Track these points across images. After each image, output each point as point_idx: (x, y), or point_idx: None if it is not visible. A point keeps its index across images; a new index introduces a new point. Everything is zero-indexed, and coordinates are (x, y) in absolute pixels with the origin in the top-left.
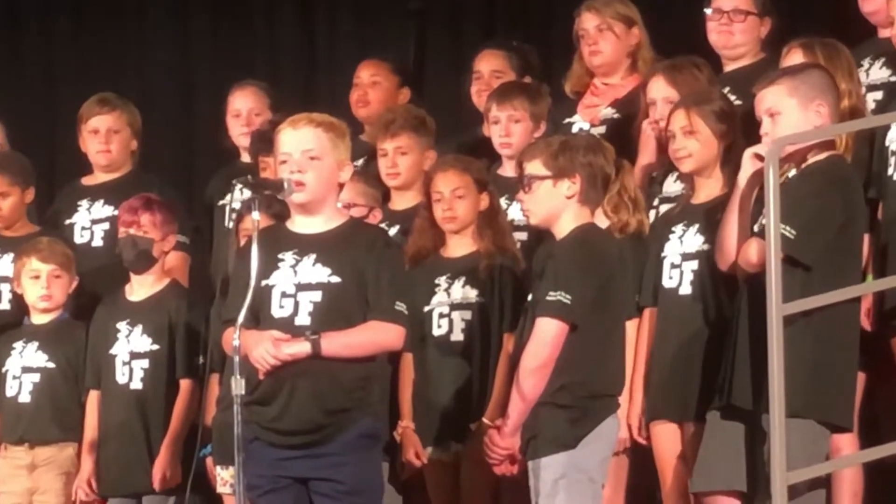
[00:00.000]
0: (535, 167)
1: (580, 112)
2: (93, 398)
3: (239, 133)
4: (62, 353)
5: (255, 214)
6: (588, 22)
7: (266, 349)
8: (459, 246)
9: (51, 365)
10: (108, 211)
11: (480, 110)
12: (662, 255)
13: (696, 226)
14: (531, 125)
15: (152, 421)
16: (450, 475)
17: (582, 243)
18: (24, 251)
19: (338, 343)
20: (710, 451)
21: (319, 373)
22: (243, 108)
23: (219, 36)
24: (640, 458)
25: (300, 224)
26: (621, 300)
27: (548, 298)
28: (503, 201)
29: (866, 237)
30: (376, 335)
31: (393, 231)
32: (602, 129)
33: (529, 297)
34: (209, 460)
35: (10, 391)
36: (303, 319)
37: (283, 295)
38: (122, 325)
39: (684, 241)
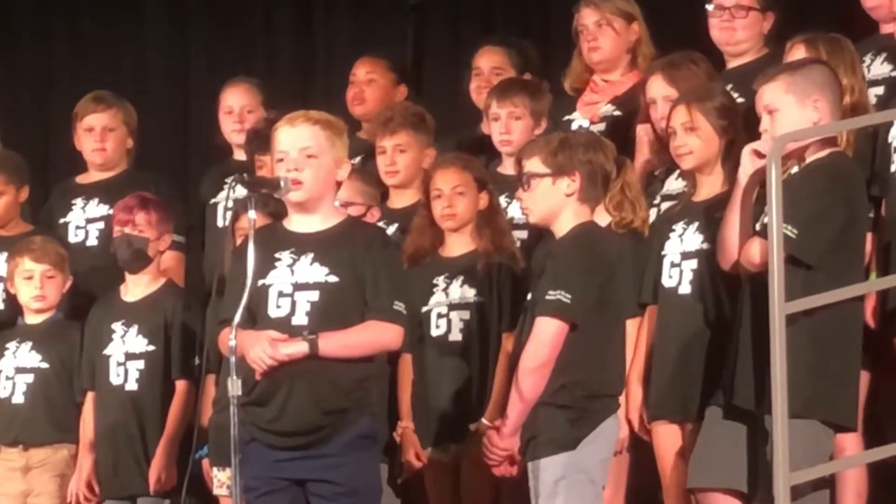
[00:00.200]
0: (534, 165)
1: (579, 109)
2: (90, 399)
3: (231, 130)
4: (56, 353)
5: (252, 213)
6: (587, 18)
7: (263, 349)
8: (458, 245)
9: (44, 365)
10: (103, 210)
11: (480, 107)
12: (663, 253)
13: (696, 224)
14: (531, 122)
15: (148, 422)
16: (449, 476)
17: (582, 242)
18: (17, 251)
19: (335, 343)
20: (710, 447)
21: (317, 373)
22: (235, 104)
23: (215, 33)
24: (641, 458)
25: (297, 223)
26: (621, 299)
27: (547, 298)
28: (503, 199)
29: (869, 235)
30: (374, 335)
31: (391, 229)
32: (602, 127)
33: (529, 297)
34: (205, 462)
35: (3, 392)
36: (300, 319)
37: (281, 294)
38: (118, 326)
39: (684, 240)
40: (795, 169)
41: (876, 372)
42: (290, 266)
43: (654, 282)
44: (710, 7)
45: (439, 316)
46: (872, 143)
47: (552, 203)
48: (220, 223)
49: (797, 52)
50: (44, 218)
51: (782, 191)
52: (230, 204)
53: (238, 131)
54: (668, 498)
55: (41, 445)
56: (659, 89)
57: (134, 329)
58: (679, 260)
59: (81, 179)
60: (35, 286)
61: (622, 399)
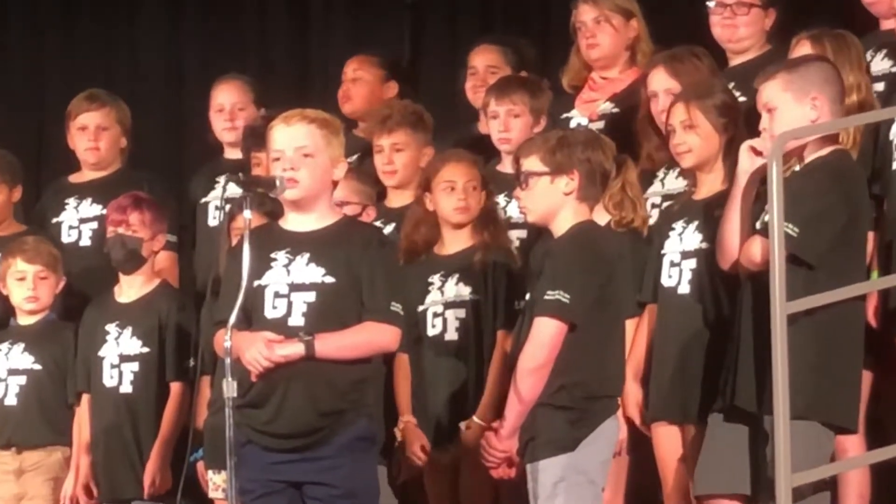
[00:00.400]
0: (532, 163)
1: (578, 107)
2: (84, 401)
3: (222, 128)
4: (49, 354)
5: (247, 213)
6: (585, 14)
7: (259, 351)
8: (454, 242)
9: (37, 367)
10: (97, 210)
11: (476, 107)
12: (662, 252)
13: (696, 223)
14: (531, 120)
15: (142, 425)
16: (448, 478)
17: (581, 241)
18: (9, 251)
19: (332, 344)
20: (712, 453)
21: (313, 375)
22: (227, 102)
23: (210, 31)
24: (641, 459)
25: (293, 222)
26: (621, 299)
27: (546, 298)
28: (502, 198)
29: (871, 234)
30: (371, 336)
31: (389, 229)
32: (601, 125)
33: (527, 297)
34: (200, 465)
35: None
36: (296, 320)
37: (277, 295)
38: (112, 328)
39: (684, 239)
40: (797, 167)
41: (878, 372)
42: (286, 266)
43: (654, 281)
44: (711, 4)
45: (435, 315)
46: (874, 141)
47: (551, 202)
48: (210, 222)
49: (802, 49)
50: (36, 218)
51: (783, 189)
52: (221, 203)
53: (229, 129)
54: (669, 500)
55: (35, 448)
56: (661, 82)
57: (128, 331)
58: (679, 259)
59: (74, 179)
60: (28, 287)
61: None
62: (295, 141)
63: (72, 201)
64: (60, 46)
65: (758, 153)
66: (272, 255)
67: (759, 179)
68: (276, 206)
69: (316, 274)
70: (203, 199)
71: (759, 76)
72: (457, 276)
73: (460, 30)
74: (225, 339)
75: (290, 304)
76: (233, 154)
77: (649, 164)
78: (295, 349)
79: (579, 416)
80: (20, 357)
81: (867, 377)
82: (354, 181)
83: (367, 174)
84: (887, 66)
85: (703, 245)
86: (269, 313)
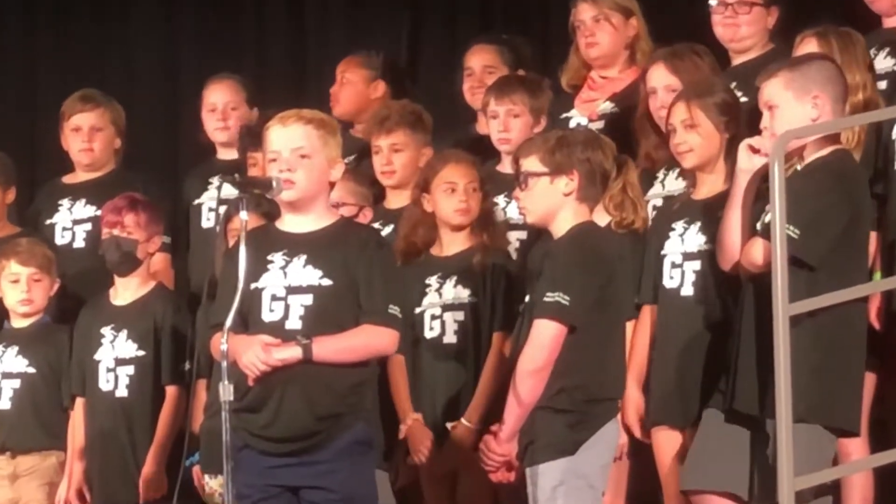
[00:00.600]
0: (531, 164)
1: (577, 107)
2: (79, 405)
3: (214, 128)
4: (43, 357)
5: (243, 214)
6: (584, 13)
7: (256, 354)
8: (452, 244)
9: (31, 370)
10: (90, 211)
11: (474, 108)
12: (663, 253)
13: (698, 224)
14: (531, 120)
15: (137, 429)
16: (446, 483)
17: (581, 242)
18: (2, 253)
19: (330, 348)
20: (705, 449)
21: (311, 378)
22: (219, 102)
23: (205, 30)
24: (641, 463)
25: (290, 223)
26: (621, 300)
27: (545, 299)
28: (502, 199)
29: (873, 234)
30: (369, 339)
31: (387, 231)
32: (601, 125)
33: (527, 299)
34: (196, 469)
35: None
36: (294, 323)
37: (274, 298)
38: (107, 331)
39: (685, 240)
40: (798, 167)
41: (882, 374)
42: (283, 268)
43: (653, 282)
44: (713, 3)
45: (433, 317)
46: (876, 140)
47: (550, 203)
48: (204, 224)
49: (808, 46)
50: (30, 219)
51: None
52: (214, 204)
53: (221, 129)
54: None
55: (29, 452)
56: (660, 78)
57: (123, 334)
58: (681, 261)
59: (68, 180)
60: (21, 289)
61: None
62: (291, 142)
63: (65, 202)
64: (53, 45)
65: (755, 151)
66: (269, 258)
67: (760, 179)
68: (272, 208)
69: (313, 276)
70: (196, 201)
71: (761, 74)
72: (455, 278)
73: (459, 29)
74: (221, 343)
75: (287, 308)
76: (225, 154)
77: (648, 164)
78: (292, 353)
79: (579, 419)
80: (14, 360)
81: (871, 379)
82: (351, 182)
83: (364, 175)
84: (890, 64)
85: (707, 246)
86: (266, 316)
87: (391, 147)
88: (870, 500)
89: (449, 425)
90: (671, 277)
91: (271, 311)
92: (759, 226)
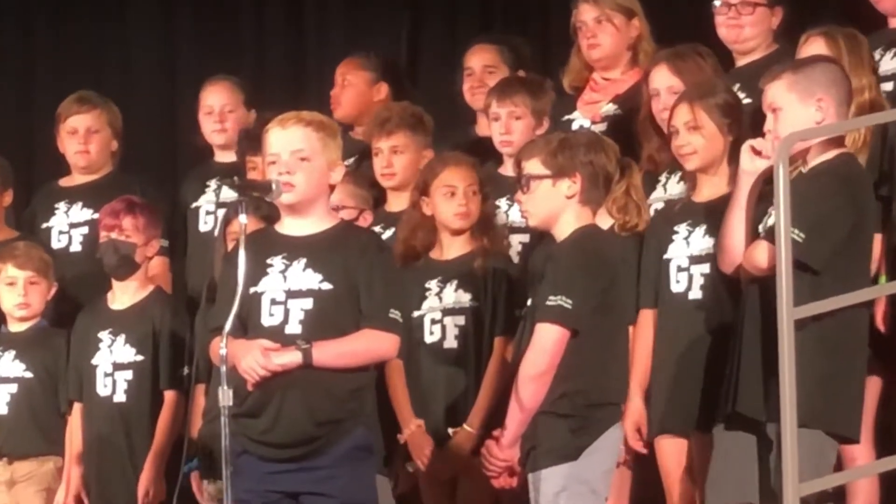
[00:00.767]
0: (533, 166)
1: (580, 108)
2: (77, 410)
3: (212, 131)
4: (40, 362)
5: (243, 217)
6: (586, 14)
7: (255, 359)
8: (452, 247)
9: (28, 375)
10: (87, 214)
11: (474, 109)
12: (666, 257)
13: (704, 226)
14: (533, 122)
15: (136, 434)
16: (447, 489)
17: (583, 245)
18: None
19: (330, 352)
20: (721, 466)
21: (311, 383)
22: (216, 104)
23: (204, 31)
24: (645, 469)
25: (289, 226)
26: (624, 304)
27: (548, 303)
28: (504, 202)
29: (879, 237)
30: (370, 344)
31: (388, 234)
32: (604, 127)
33: (529, 303)
34: (195, 475)
35: None
36: (293, 328)
37: (273, 302)
38: (105, 335)
39: (691, 243)
40: (803, 170)
41: (887, 378)
42: (283, 272)
43: (653, 286)
44: (717, 3)
45: (433, 322)
46: (881, 143)
47: (552, 205)
48: (202, 227)
49: (814, 46)
50: (26, 223)
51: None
52: (212, 208)
53: (219, 132)
54: None
55: (26, 458)
56: (663, 80)
57: (121, 338)
58: (687, 264)
59: (65, 183)
60: (18, 293)
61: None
62: (291, 144)
63: (62, 206)
64: (51, 47)
65: (757, 153)
66: (268, 261)
67: (763, 180)
68: (272, 211)
69: (313, 280)
70: (194, 204)
71: (765, 76)
72: (456, 282)
73: (459, 30)
74: (220, 347)
75: (286, 312)
76: (223, 157)
77: (651, 166)
78: (292, 358)
79: (582, 424)
80: (11, 365)
81: (876, 383)
82: (351, 185)
83: (364, 177)
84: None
85: (715, 249)
86: (266, 321)
87: (392, 149)
88: None
89: (450, 431)
90: (677, 281)
91: (271, 315)
92: (761, 228)
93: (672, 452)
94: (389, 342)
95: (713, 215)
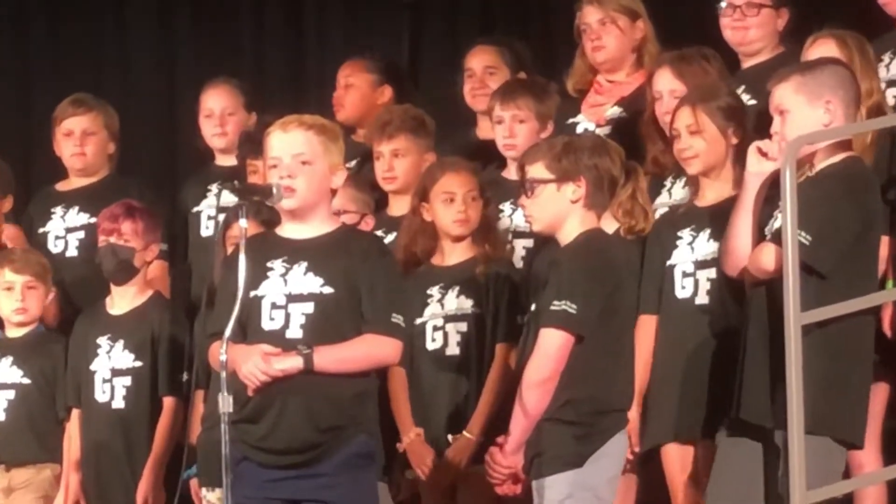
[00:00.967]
0: (537, 170)
1: (584, 111)
2: (75, 417)
3: (212, 134)
4: (38, 368)
5: (243, 222)
6: (590, 16)
7: (255, 364)
8: (454, 254)
9: (26, 381)
10: (83, 219)
11: (475, 111)
12: (670, 262)
13: (708, 231)
14: (537, 125)
15: (134, 441)
16: (447, 497)
17: (588, 250)
18: None
19: (331, 358)
20: (722, 474)
21: (312, 389)
22: (216, 107)
23: (202, 32)
24: (650, 476)
25: (290, 230)
26: (630, 309)
27: (552, 308)
28: (507, 206)
29: (886, 240)
30: (372, 349)
31: (389, 238)
32: (608, 130)
33: (532, 307)
34: (194, 482)
35: None
36: (294, 332)
37: (274, 306)
38: (103, 341)
39: (696, 248)
40: (810, 173)
41: (894, 384)
42: (283, 276)
43: (656, 292)
44: (722, 5)
45: (435, 329)
46: (889, 146)
47: (557, 210)
48: (203, 232)
49: (823, 48)
50: (23, 228)
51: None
52: (213, 212)
53: (219, 135)
54: None
55: (24, 465)
56: (666, 83)
57: (120, 344)
58: (693, 269)
59: (62, 187)
60: (16, 298)
61: None
62: (292, 148)
63: (58, 210)
64: (48, 49)
65: (763, 154)
66: (268, 264)
67: (769, 183)
68: (272, 215)
69: (314, 284)
70: (195, 209)
71: (772, 78)
72: (457, 288)
73: (460, 30)
74: (220, 353)
75: (287, 316)
76: (224, 161)
77: (656, 169)
78: (293, 363)
79: (586, 431)
80: (8, 371)
81: (884, 389)
82: (352, 189)
83: (366, 181)
84: None
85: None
86: (266, 325)
87: (393, 153)
88: None
89: (450, 438)
90: (683, 287)
91: (271, 319)
92: (767, 231)
93: (677, 459)
94: (392, 347)
95: (717, 219)
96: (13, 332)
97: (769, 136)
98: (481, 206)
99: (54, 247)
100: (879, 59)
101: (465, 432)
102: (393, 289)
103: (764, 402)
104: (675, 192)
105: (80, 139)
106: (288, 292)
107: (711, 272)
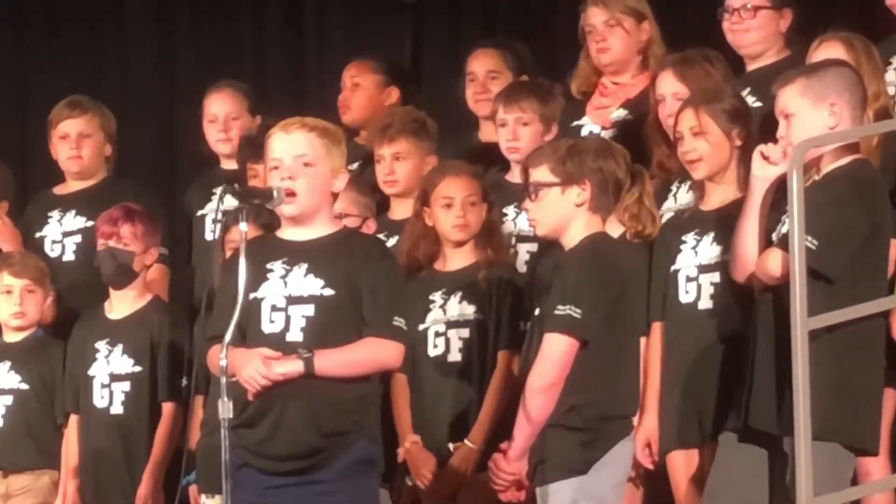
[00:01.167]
0: (541, 174)
1: (589, 114)
2: (73, 422)
3: (217, 140)
4: (37, 373)
5: (243, 225)
6: (595, 17)
7: (256, 368)
8: (455, 259)
9: (24, 386)
10: (80, 222)
11: (478, 115)
12: (674, 267)
13: (712, 234)
14: (541, 128)
15: (133, 447)
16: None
17: (593, 253)
18: None
19: (332, 361)
20: (724, 475)
21: (313, 393)
22: (220, 112)
23: (202, 32)
24: (656, 483)
25: (290, 231)
26: (635, 314)
27: (556, 313)
28: (511, 210)
29: (894, 243)
30: (373, 353)
31: (392, 242)
32: (614, 133)
33: (536, 312)
34: (193, 489)
35: None
36: (295, 335)
37: (274, 309)
38: (102, 345)
39: (699, 252)
40: (816, 177)
41: None
42: (283, 277)
43: (663, 298)
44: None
45: (437, 334)
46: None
47: (561, 214)
48: (208, 236)
49: (830, 50)
50: (20, 232)
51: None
52: (219, 216)
53: (224, 140)
54: None
55: (22, 471)
56: (668, 85)
57: (119, 348)
58: (696, 274)
59: (59, 190)
60: (14, 302)
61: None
62: (294, 149)
63: (55, 214)
64: (45, 51)
65: (765, 157)
66: (268, 266)
67: (776, 187)
68: (272, 219)
69: (314, 286)
70: (200, 212)
71: (777, 81)
72: (460, 293)
73: (463, 31)
74: (220, 357)
75: (287, 319)
76: (229, 165)
77: (662, 172)
78: (293, 367)
79: (591, 437)
80: (6, 376)
81: (892, 395)
82: (354, 192)
83: (367, 184)
84: None
85: (725, 257)
86: (266, 328)
87: (394, 156)
88: None
89: (451, 446)
90: (686, 292)
91: (271, 322)
92: (775, 236)
93: (683, 465)
94: (393, 350)
95: (721, 223)
96: (11, 337)
97: (775, 140)
98: (484, 211)
99: (51, 251)
100: (887, 61)
101: (466, 441)
102: (395, 291)
103: (772, 408)
104: (680, 197)
105: (76, 142)
106: (288, 294)
107: (714, 276)
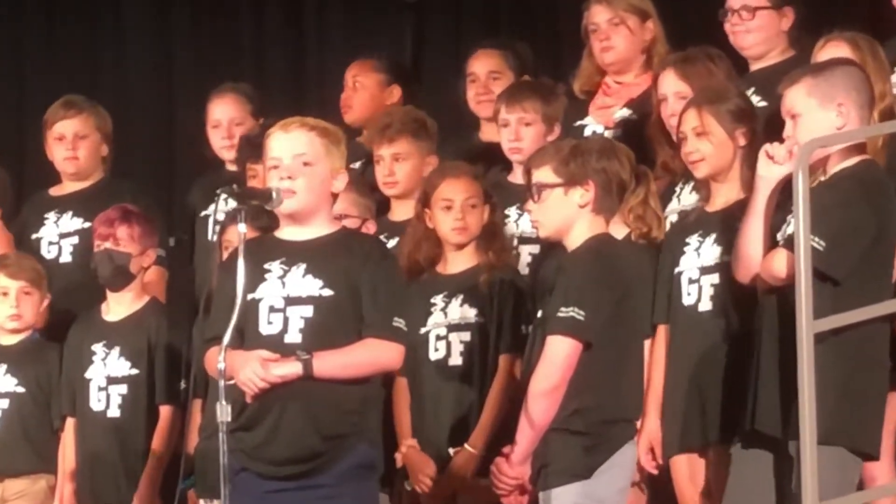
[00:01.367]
0: (544, 174)
1: (592, 114)
2: (70, 426)
3: (221, 146)
4: (33, 376)
5: (241, 226)
6: (599, 15)
7: (254, 371)
8: (457, 261)
9: (20, 389)
10: (77, 224)
11: (479, 116)
12: (678, 269)
13: (714, 235)
14: (544, 128)
15: (130, 451)
16: None
17: (596, 255)
18: None
19: (331, 363)
20: (737, 487)
21: (312, 395)
22: (223, 117)
23: (201, 33)
24: (660, 487)
25: (288, 232)
26: (639, 316)
27: (559, 315)
28: (514, 211)
29: None
30: (373, 354)
31: (392, 243)
32: (617, 132)
33: (539, 314)
34: (191, 493)
35: None
36: (293, 337)
37: (272, 310)
38: (98, 348)
39: (701, 254)
40: (822, 178)
41: None
42: (281, 278)
43: (667, 301)
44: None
45: (438, 338)
46: None
47: (564, 215)
48: (210, 237)
49: (835, 50)
50: (15, 233)
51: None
52: (220, 216)
53: (228, 147)
54: None
55: (18, 475)
56: (670, 85)
57: (116, 351)
58: (697, 275)
59: (55, 192)
60: (10, 304)
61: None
62: (293, 148)
63: (51, 216)
64: (42, 51)
65: (770, 157)
66: (266, 266)
67: (781, 187)
68: (271, 220)
69: (313, 286)
70: (203, 213)
71: (783, 81)
72: (461, 296)
73: (464, 31)
74: (218, 360)
75: (286, 320)
76: (234, 166)
77: (666, 174)
78: (292, 369)
79: (595, 441)
80: (2, 379)
81: (894, 398)
82: (353, 193)
83: (367, 185)
84: None
85: (725, 258)
86: (264, 329)
87: (393, 156)
88: None
89: (451, 451)
90: (688, 294)
91: (269, 323)
92: (780, 237)
93: (686, 469)
94: (393, 351)
95: (725, 224)
96: (7, 340)
97: (780, 140)
98: (485, 213)
99: (47, 253)
100: (893, 61)
101: (467, 446)
102: (395, 292)
103: (777, 412)
104: (683, 198)
105: (71, 142)
106: (286, 295)
107: (715, 278)
